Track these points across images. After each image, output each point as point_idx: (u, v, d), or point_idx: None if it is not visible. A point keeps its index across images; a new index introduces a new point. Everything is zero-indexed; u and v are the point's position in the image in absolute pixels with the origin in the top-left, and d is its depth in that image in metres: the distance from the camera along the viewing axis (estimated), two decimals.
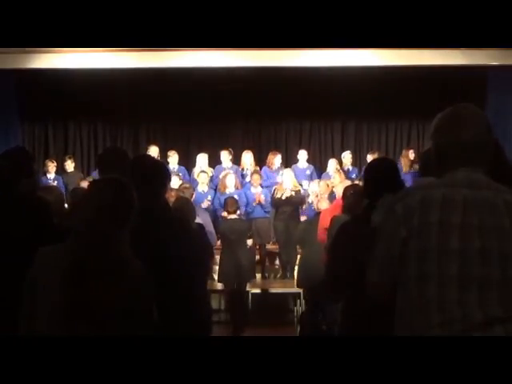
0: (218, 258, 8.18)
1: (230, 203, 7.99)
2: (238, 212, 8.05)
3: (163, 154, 10.89)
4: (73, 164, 10.96)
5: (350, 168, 10.72)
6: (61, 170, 11.06)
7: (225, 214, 8.34)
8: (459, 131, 2.03)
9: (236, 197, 8.97)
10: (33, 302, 2.27)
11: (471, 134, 2.02)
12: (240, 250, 7.79)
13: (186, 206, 5.30)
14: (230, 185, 9.49)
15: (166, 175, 3.47)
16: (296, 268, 9.06)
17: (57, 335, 2.16)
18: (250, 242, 8.14)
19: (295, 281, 7.70)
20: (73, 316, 2.17)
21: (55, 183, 10.22)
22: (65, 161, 11.02)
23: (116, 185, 2.36)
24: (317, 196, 9.05)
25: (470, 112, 2.07)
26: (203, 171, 9.92)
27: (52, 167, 10.72)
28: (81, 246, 2.25)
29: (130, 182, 2.41)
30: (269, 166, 10.35)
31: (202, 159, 10.48)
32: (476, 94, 9.45)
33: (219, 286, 8.61)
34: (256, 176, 9.72)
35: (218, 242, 7.87)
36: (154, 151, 10.54)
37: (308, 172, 10.39)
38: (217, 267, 8.56)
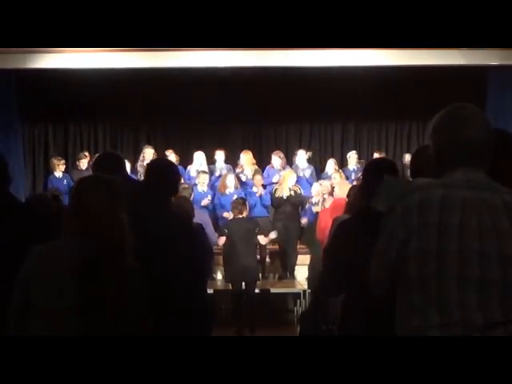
0: (218, 258, 8.19)
1: (237, 203, 7.97)
2: (245, 213, 7.96)
3: (161, 154, 10.88)
4: (86, 161, 10.50)
5: (356, 168, 10.60)
6: (69, 168, 10.91)
7: (230, 214, 8.35)
8: (458, 131, 2.02)
9: (235, 197, 8.98)
10: (25, 300, 2.26)
11: (471, 133, 2.01)
12: (248, 250, 7.75)
13: (184, 205, 5.30)
14: (230, 185, 9.49)
15: (179, 177, 3.64)
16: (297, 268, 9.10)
17: (52, 335, 2.16)
18: (261, 238, 8.09)
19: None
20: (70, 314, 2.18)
21: (64, 182, 10.16)
22: (80, 158, 10.65)
23: (98, 183, 2.36)
24: (321, 196, 9.03)
25: (469, 111, 2.06)
26: (203, 171, 9.90)
27: (60, 165, 10.49)
28: (68, 245, 2.26)
29: (115, 179, 2.41)
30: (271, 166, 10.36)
31: (199, 157, 10.39)
32: (476, 94, 9.45)
33: (220, 286, 8.62)
34: (258, 177, 9.72)
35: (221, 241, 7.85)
36: (148, 153, 10.43)
37: (308, 172, 10.38)
38: (217, 267, 8.55)
